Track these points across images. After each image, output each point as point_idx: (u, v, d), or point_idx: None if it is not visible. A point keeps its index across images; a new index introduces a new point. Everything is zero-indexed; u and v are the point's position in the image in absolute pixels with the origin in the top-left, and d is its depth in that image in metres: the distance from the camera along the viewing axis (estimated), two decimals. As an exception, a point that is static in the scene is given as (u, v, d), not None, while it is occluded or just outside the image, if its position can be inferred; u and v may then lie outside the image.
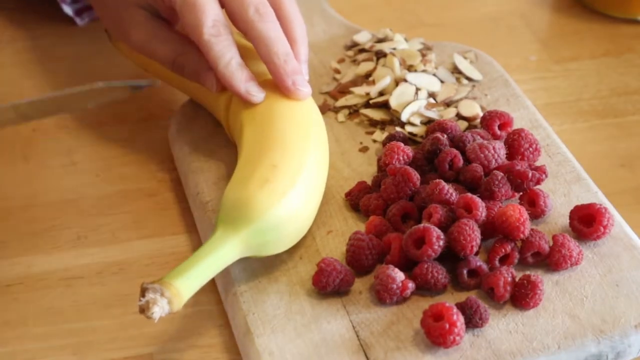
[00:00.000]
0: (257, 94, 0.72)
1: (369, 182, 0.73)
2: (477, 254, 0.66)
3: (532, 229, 0.67)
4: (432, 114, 0.78)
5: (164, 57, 0.76)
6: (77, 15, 0.93)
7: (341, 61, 0.87)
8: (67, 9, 0.93)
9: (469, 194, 0.67)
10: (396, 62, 0.82)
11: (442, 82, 0.82)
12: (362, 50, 0.87)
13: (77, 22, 0.94)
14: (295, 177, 0.67)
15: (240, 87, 0.72)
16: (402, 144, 0.73)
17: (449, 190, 0.68)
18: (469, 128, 0.78)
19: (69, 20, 0.94)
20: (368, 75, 0.83)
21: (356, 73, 0.84)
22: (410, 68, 0.82)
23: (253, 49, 0.74)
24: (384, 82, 0.80)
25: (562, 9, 0.97)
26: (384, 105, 0.80)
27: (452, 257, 0.66)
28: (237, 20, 0.73)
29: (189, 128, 0.80)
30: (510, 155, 0.73)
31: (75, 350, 0.67)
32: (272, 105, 0.72)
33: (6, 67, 0.92)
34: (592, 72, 0.89)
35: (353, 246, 0.67)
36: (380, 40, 0.87)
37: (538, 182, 0.69)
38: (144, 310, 0.60)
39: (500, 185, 0.69)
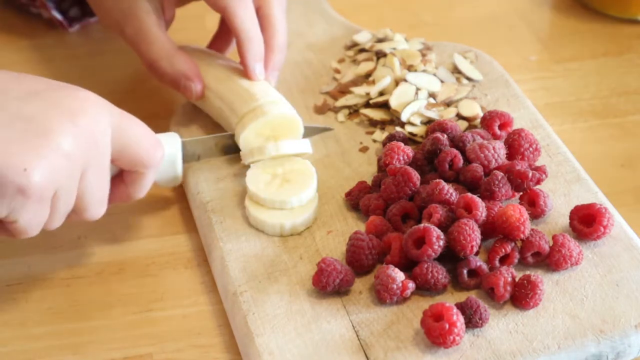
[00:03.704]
0: (260, 74, 0.77)
1: (369, 182, 0.73)
2: (477, 254, 0.66)
3: (532, 229, 0.67)
4: (432, 114, 0.78)
5: (146, 54, 0.77)
6: (67, 21, 0.94)
7: (341, 61, 0.87)
8: (56, 14, 0.93)
9: (469, 194, 0.67)
10: (396, 62, 0.82)
11: (442, 82, 0.82)
12: (362, 50, 0.87)
13: (68, 29, 0.94)
14: None
15: (254, 66, 0.76)
16: (402, 144, 0.73)
17: (449, 190, 0.68)
18: (469, 128, 0.78)
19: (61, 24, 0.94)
20: (368, 75, 0.83)
21: (356, 73, 0.84)
22: (410, 68, 0.82)
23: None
24: (384, 82, 0.80)
25: (562, 9, 0.97)
26: (384, 105, 0.80)
27: (452, 257, 0.66)
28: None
29: (189, 128, 0.80)
30: (510, 155, 0.73)
31: (75, 350, 0.67)
32: None
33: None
34: (592, 72, 0.89)
35: (353, 246, 0.67)
36: (380, 40, 0.87)
37: (538, 182, 0.69)
38: None
39: (500, 185, 0.69)
